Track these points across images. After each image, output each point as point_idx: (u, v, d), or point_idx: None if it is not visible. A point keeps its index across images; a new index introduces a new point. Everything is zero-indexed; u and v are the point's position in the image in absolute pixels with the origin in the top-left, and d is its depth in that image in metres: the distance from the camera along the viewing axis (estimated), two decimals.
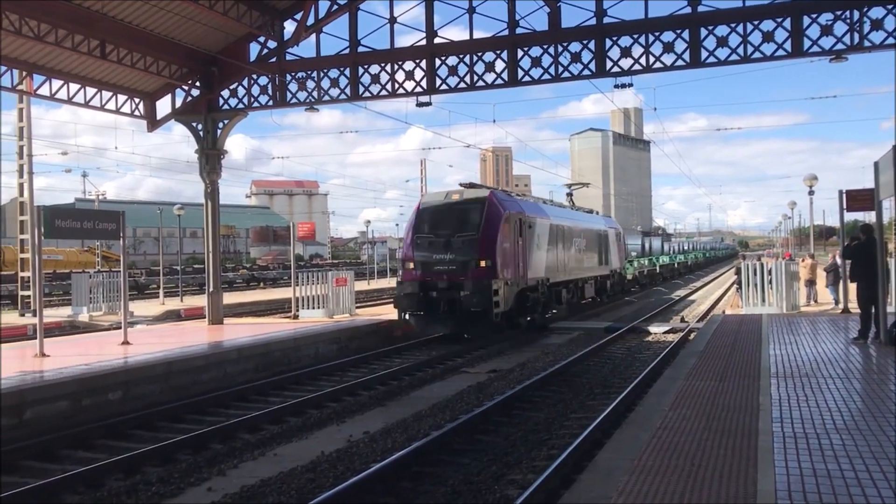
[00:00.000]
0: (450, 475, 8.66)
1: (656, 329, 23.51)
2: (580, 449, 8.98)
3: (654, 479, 6.05)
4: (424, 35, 21.59)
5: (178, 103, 23.56)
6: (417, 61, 21.65)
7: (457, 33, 24.87)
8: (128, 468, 9.23)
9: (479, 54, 21.00)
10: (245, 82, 23.21)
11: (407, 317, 21.32)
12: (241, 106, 23.30)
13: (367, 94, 22.20)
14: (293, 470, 8.94)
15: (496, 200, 21.82)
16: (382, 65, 21.93)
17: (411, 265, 21.50)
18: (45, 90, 20.58)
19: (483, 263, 20.44)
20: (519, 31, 20.60)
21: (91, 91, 21.69)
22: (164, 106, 23.66)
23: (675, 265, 62.07)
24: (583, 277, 29.16)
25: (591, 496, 5.85)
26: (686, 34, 19.00)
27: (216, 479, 8.81)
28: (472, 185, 23.67)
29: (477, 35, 21.35)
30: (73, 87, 21.14)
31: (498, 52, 20.85)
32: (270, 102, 23.00)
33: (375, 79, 21.96)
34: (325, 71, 22.42)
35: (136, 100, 23.27)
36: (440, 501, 7.85)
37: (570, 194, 36.43)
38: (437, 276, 20.92)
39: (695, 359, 12.78)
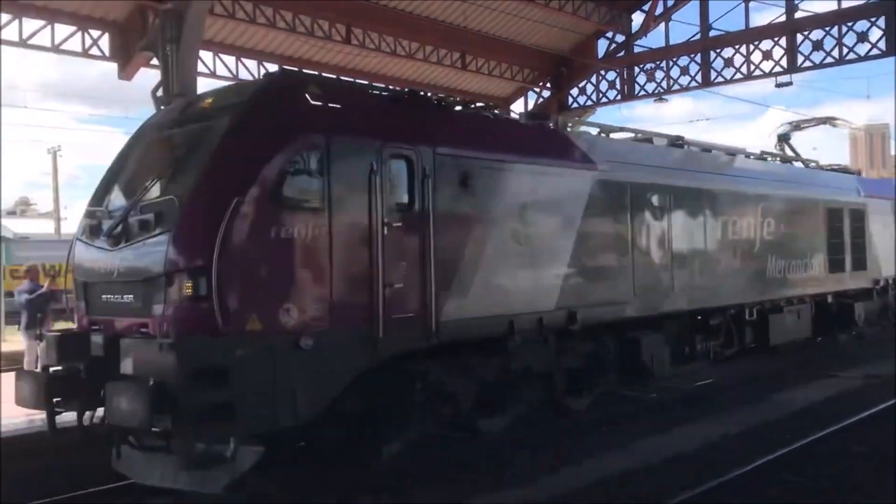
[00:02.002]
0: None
1: None
2: None
3: None
4: (783, 11, 20.09)
5: (531, 106, 24.66)
6: (776, 39, 20.23)
7: (821, 4, 22.52)
8: None
9: (850, 24, 19.00)
10: (593, 79, 23.61)
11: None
12: (589, 103, 23.76)
13: (719, 79, 21.32)
14: (650, 463, 8.92)
15: (278, 105, 8.07)
16: (736, 47, 20.87)
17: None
18: None
19: (188, 286, 7.09)
20: None
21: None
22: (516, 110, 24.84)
23: None
24: (771, 299, 14.54)
25: None
26: None
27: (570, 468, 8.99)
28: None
29: (845, 4, 19.37)
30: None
31: (873, 19, 18.67)
32: (619, 97, 23.11)
33: (729, 62, 20.98)
34: (675, 60, 21.93)
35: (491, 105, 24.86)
36: None
37: (784, 137, 20.08)
38: (105, 322, 8.04)
39: None
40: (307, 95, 8.00)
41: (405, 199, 8.49)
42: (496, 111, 11.01)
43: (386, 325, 8.04)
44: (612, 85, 23.35)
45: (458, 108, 10.19)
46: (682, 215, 12.45)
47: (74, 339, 8.02)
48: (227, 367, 6.94)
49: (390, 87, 11.53)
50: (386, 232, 8.14)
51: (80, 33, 16.69)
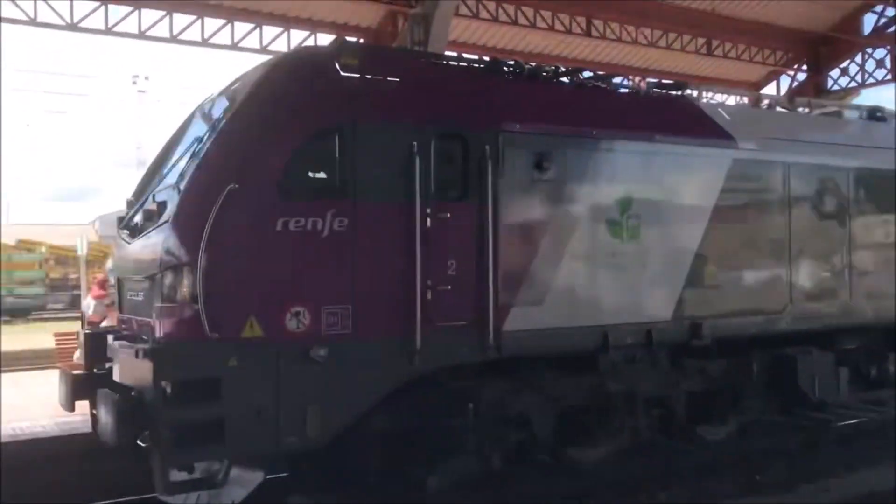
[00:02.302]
0: None
1: None
2: None
3: None
4: None
5: (783, 90, 23.05)
6: None
7: None
8: None
9: None
10: (858, 58, 21.48)
11: None
12: (852, 84, 21.65)
13: None
14: None
15: (293, 81, 6.90)
16: None
17: None
18: None
19: (184, 286, 6.21)
20: None
21: None
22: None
23: None
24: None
25: None
26: None
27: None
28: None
29: None
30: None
31: None
32: (889, 76, 20.70)
33: None
34: None
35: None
36: None
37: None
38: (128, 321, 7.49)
39: None
40: (338, 67, 6.86)
41: (457, 185, 7.13)
42: (601, 80, 9.07)
43: (427, 334, 6.78)
44: (880, 63, 21.02)
45: (544, 75, 8.54)
46: (865, 203, 9.89)
47: (95, 339, 7.53)
48: (218, 379, 6.05)
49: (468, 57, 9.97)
50: (429, 224, 6.87)
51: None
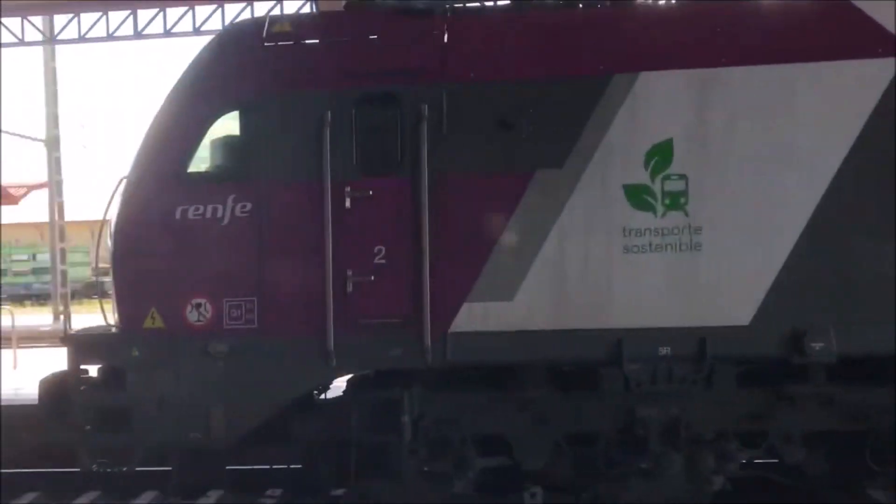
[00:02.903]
0: None
1: None
2: None
3: None
4: None
5: None
6: None
7: None
8: None
9: None
10: None
11: None
12: None
13: None
14: None
15: (207, 62, 6.31)
16: None
17: None
18: None
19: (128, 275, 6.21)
20: None
21: None
22: None
23: None
24: None
25: None
26: None
27: None
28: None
29: None
30: None
31: None
32: None
33: None
34: None
35: None
36: None
37: None
38: None
39: None
40: (264, 38, 6.29)
41: (386, 157, 5.96)
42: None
43: (345, 332, 5.89)
44: None
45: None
46: None
47: None
48: (123, 369, 6.16)
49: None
50: (349, 204, 5.92)
51: None
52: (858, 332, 5.65)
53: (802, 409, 5.91)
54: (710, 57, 5.84)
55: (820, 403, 5.87)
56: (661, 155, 5.83)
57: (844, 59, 5.70)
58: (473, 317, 5.93)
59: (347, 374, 6.21)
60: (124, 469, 6.41)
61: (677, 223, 5.82)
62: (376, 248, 5.99)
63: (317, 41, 6.27)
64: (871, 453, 5.99)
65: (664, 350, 5.81)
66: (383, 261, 5.97)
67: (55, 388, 6.44)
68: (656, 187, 5.84)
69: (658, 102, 5.84)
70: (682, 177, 5.84)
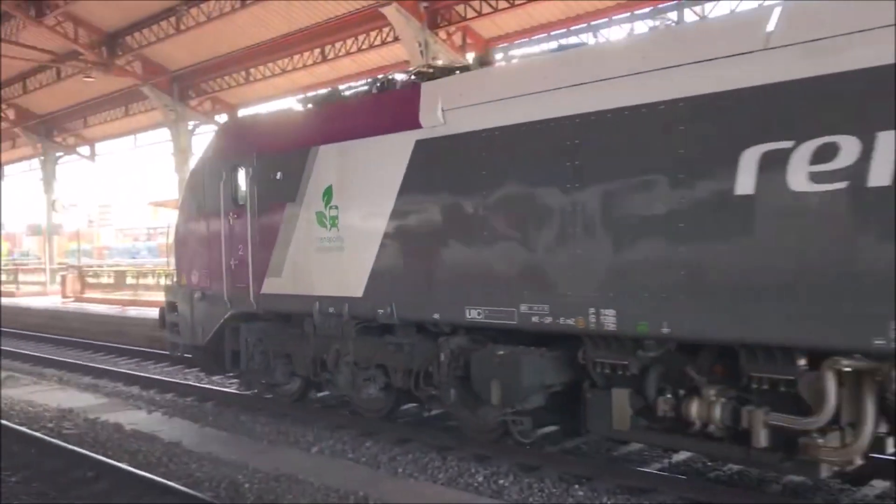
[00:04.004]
0: None
1: None
2: None
3: None
4: None
5: None
6: None
7: None
8: None
9: None
10: None
11: None
12: None
13: None
14: None
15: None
16: None
17: None
18: None
19: None
20: None
21: None
22: None
23: None
24: None
25: None
26: None
27: None
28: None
29: None
30: None
31: None
32: None
33: None
34: None
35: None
36: None
37: None
38: None
39: None
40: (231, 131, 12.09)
41: (238, 196, 10.94)
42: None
43: (231, 291, 11.24)
44: None
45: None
46: None
47: None
48: (175, 302, 12.58)
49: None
50: (230, 223, 11.09)
51: None
52: (408, 304, 8.79)
53: (395, 352, 9.22)
54: (343, 136, 9.53)
55: (397, 347, 9.13)
56: (327, 194, 9.63)
57: (395, 133, 8.89)
58: (269, 286, 10.51)
59: (234, 312, 11.45)
60: (178, 354, 12.81)
61: (335, 235, 9.62)
62: (239, 247, 11.04)
63: (223, 136, 11.74)
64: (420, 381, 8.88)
65: (331, 309, 9.75)
66: (241, 254, 11.03)
67: (161, 312, 13.15)
68: (327, 213, 9.77)
69: (326, 163, 9.65)
70: (336, 207, 9.57)
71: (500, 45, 17.76)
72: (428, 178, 8.48)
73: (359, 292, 9.24)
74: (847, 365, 5.77)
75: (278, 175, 10.21)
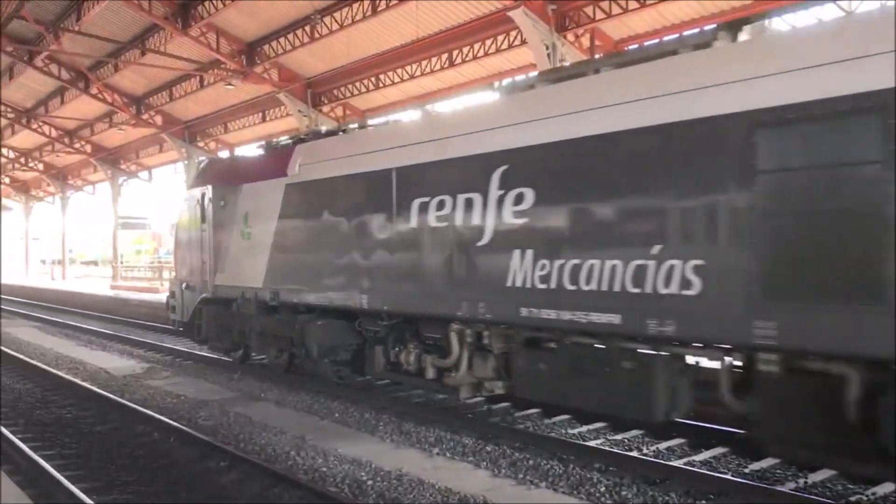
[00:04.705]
0: None
1: None
2: None
3: None
4: None
5: None
6: None
7: None
8: None
9: None
10: None
11: None
12: None
13: None
14: None
15: None
16: None
17: None
18: None
19: None
20: None
21: None
22: None
23: None
24: None
25: None
26: None
27: None
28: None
29: None
30: None
31: None
32: None
33: None
34: None
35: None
36: None
37: None
38: None
39: None
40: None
41: (204, 215, 14.79)
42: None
43: (200, 283, 15.04)
44: None
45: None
46: None
47: None
48: (174, 291, 16.56)
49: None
50: (200, 234, 14.96)
51: None
52: (285, 291, 12.47)
53: (279, 325, 12.72)
54: (254, 179, 13.51)
55: (280, 322, 12.70)
56: (245, 217, 13.58)
57: (276, 179, 12.71)
58: (219, 279, 14.31)
59: (202, 297, 14.94)
60: (176, 328, 16.71)
61: (248, 244, 13.44)
62: (205, 251, 14.69)
63: (197, 171, 16.42)
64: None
65: (247, 295, 13.36)
66: (205, 256, 14.66)
67: (167, 298, 16.76)
68: (245, 230, 13.59)
69: (245, 196, 13.67)
70: (250, 227, 13.47)
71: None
72: (292, 209, 12.32)
73: (260, 284, 13.02)
74: (456, 329, 9.62)
75: (222, 203, 14.25)
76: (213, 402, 11.70)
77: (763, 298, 6.42)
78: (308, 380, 12.92)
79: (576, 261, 7.93)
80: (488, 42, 21.20)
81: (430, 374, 10.23)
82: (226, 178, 14.40)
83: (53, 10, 27.43)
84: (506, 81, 11.08)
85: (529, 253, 8.41)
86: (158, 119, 35.17)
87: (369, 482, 7.68)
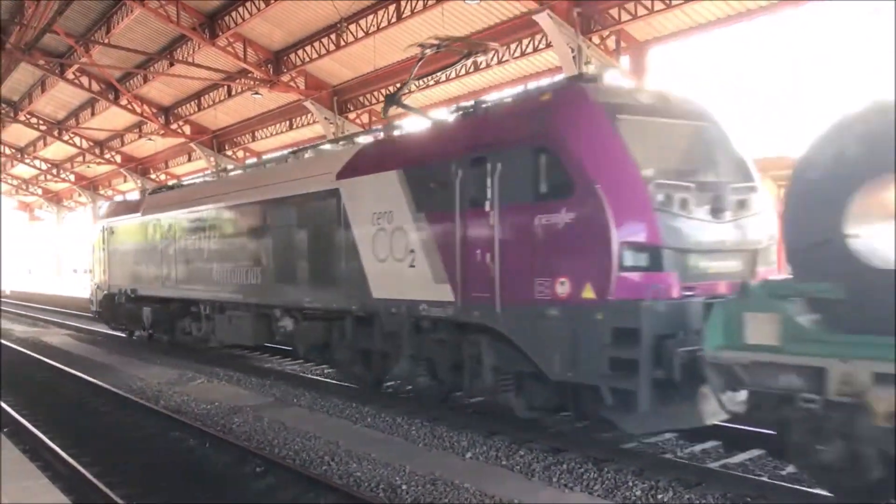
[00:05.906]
0: None
1: None
2: None
3: None
4: None
5: None
6: None
7: None
8: None
9: None
10: None
11: None
12: None
13: None
14: None
15: None
16: None
17: None
18: None
19: None
20: None
21: None
22: None
23: None
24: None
25: None
26: None
27: None
28: None
29: None
30: None
31: None
32: None
33: None
34: None
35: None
36: None
37: None
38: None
39: None
40: None
41: (103, 240, 21.71)
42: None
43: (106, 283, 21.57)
44: None
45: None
46: None
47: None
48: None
49: None
50: (103, 252, 21.18)
51: None
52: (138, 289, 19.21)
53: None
54: (121, 215, 20.25)
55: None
56: (121, 243, 20.55)
57: (142, 215, 18.63)
58: (111, 281, 20.85)
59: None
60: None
61: (120, 259, 20.16)
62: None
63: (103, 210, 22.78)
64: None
65: (122, 290, 20.01)
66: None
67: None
68: (121, 250, 20.63)
69: (120, 228, 20.55)
70: (122, 248, 20.19)
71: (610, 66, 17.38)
72: (148, 239, 18.66)
73: (126, 284, 20.20)
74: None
75: (112, 232, 20.87)
76: (246, 407, 11.78)
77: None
78: (341, 387, 12.96)
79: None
80: (513, 46, 21.20)
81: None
82: (111, 216, 21.29)
83: (84, 22, 27.89)
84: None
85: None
86: (187, 129, 35.57)
87: (403, 486, 7.70)
